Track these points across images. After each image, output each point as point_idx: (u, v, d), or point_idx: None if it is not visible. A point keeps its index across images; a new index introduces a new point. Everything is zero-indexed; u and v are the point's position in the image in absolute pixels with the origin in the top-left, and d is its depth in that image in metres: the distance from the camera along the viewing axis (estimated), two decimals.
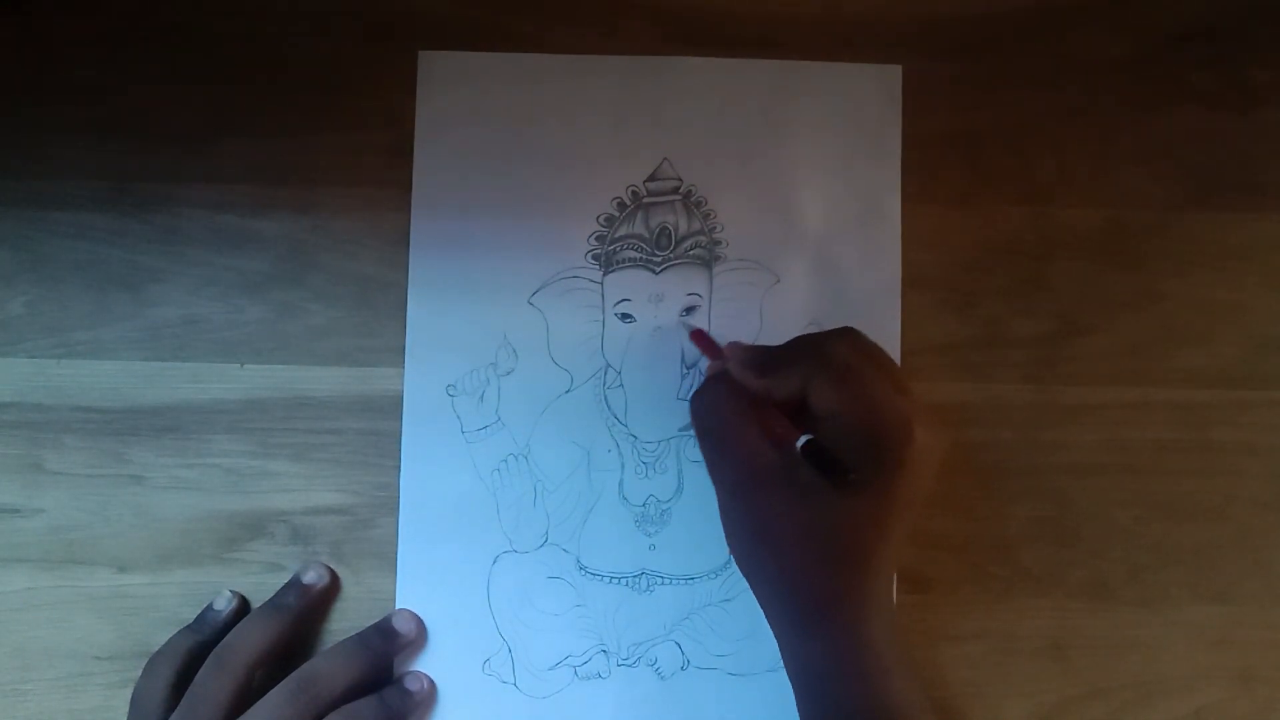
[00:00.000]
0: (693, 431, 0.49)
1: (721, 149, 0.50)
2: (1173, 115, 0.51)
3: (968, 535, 0.50)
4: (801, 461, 0.42)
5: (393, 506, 0.49)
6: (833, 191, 0.50)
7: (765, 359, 0.44)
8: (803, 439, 0.42)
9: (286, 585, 0.49)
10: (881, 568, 0.42)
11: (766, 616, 0.44)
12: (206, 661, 0.46)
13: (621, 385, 0.50)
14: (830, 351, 0.42)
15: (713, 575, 0.50)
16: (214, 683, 0.45)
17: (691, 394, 0.46)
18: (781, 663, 0.47)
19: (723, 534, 0.48)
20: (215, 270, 0.50)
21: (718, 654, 0.49)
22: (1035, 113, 0.51)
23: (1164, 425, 0.50)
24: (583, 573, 0.50)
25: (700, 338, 0.49)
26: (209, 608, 0.49)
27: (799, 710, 0.44)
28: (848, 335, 0.43)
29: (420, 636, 0.49)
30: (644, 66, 0.51)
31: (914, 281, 0.50)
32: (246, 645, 0.46)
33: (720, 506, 0.44)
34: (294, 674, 0.46)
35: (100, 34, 0.51)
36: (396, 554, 0.49)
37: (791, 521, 0.41)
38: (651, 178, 0.50)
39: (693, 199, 0.50)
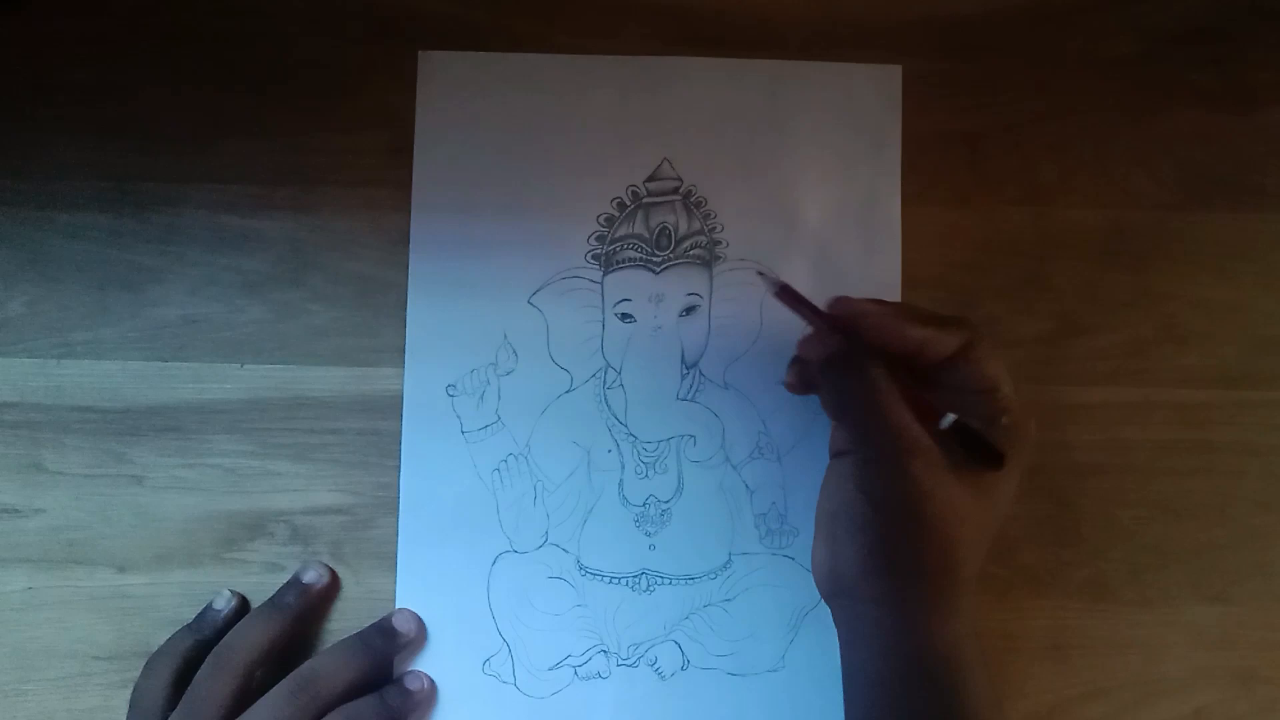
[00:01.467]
0: (696, 434, 0.49)
1: (721, 149, 0.50)
2: (1173, 115, 0.51)
3: None
4: (949, 441, 0.40)
5: (393, 506, 0.49)
6: (833, 191, 0.50)
7: (918, 312, 0.41)
8: (950, 418, 0.40)
9: (286, 585, 0.49)
10: (985, 557, 0.41)
11: (859, 605, 0.42)
12: (206, 661, 0.46)
13: (621, 385, 0.50)
14: (980, 325, 0.41)
15: (713, 575, 0.50)
16: (213, 682, 0.45)
17: (822, 371, 0.42)
18: (781, 663, 0.47)
19: (721, 534, 0.48)
20: (215, 270, 0.50)
21: (718, 654, 0.49)
22: (1035, 113, 0.51)
23: (1164, 425, 0.50)
24: (583, 573, 0.50)
25: (789, 296, 0.43)
26: (208, 607, 0.49)
27: (856, 703, 0.42)
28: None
29: (420, 636, 0.49)
30: (644, 66, 0.51)
31: (914, 281, 0.50)
32: (246, 645, 0.46)
33: (842, 479, 0.41)
34: (294, 673, 0.46)
35: (101, 34, 0.51)
36: (396, 554, 0.49)
37: (939, 502, 0.39)
38: (651, 178, 0.50)
39: (693, 199, 0.50)
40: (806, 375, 0.45)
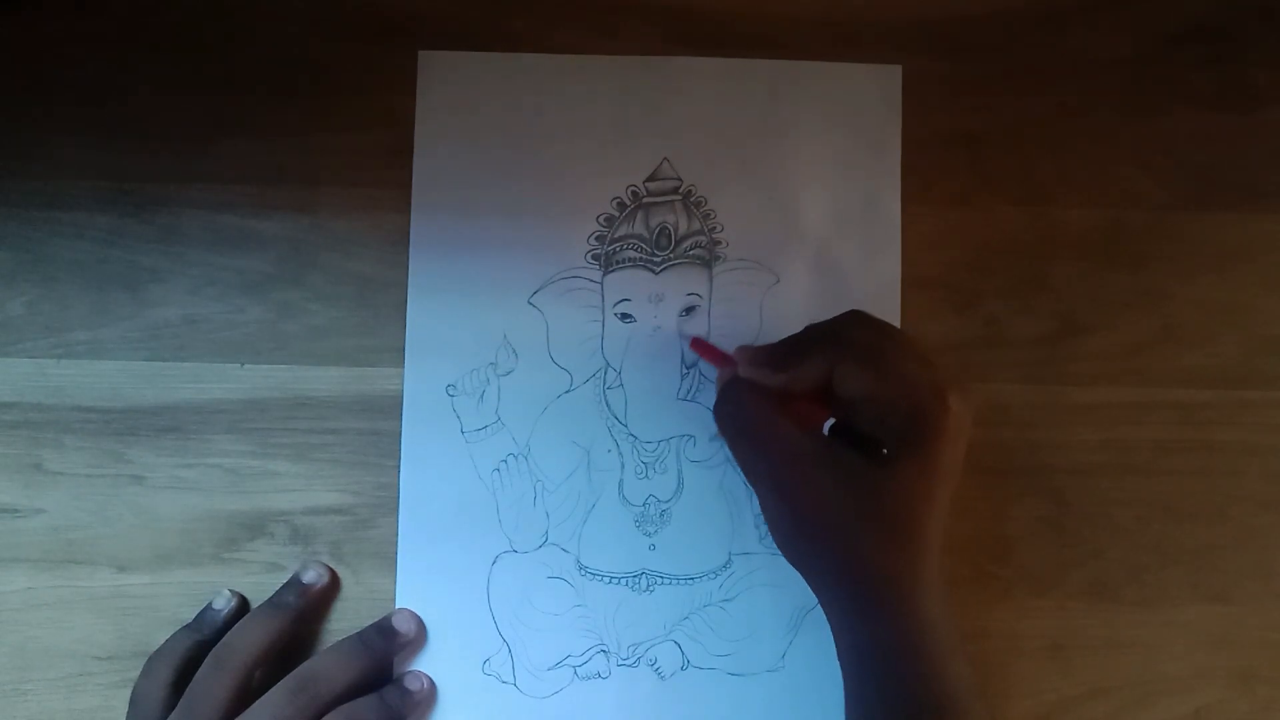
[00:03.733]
0: (696, 434, 0.49)
1: (721, 149, 0.50)
2: (1173, 115, 0.51)
3: (968, 535, 0.50)
4: (836, 445, 0.42)
5: (392, 506, 0.49)
6: (833, 191, 0.50)
7: (779, 354, 0.44)
8: (829, 422, 0.42)
9: (286, 584, 0.49)
10: (932, 542, 0.41)
11: (821, 605, 0.44)
12: (205, 661, 0.46)
13: (621, 385, 0.50)
14: (848, 336, 0.43)
15: (712, 575, 0.49)
16: (213, 682, 0.45)
17: (713, 405, 0.46)
18: (781, 663, 0.47)
19: (721, 534, 0.48)
20: (215, 270, 0.50)
21: (717, 654, 0.49)
22: (1035, 113, 0.51)
23: (1164, 425, 0.50)
24: (582, 573, 0.50)
25: (701, 346, 0.49)
26: (208, 607, 0.49)
27: (849, 701, 0.43)
28: (859, 317, 0.43)
29: (420, 636, 0.49)
30: (644, 66, 0.51)
31: (914, 281, 0.50)
32: (245, 644, 0.46)
33: (762, 504, 0.44)
34: (294, 672, 0.46)
35: (100, 34, 0.51)
36: (396, 554, 0.49)
37: (838, 505, 0.41)
38: (651, 178, 0.50)
39: (692, 199, 0.50)
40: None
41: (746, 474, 0.44)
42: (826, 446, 0.42)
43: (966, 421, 0.42)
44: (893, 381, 0.41)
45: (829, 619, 0.43)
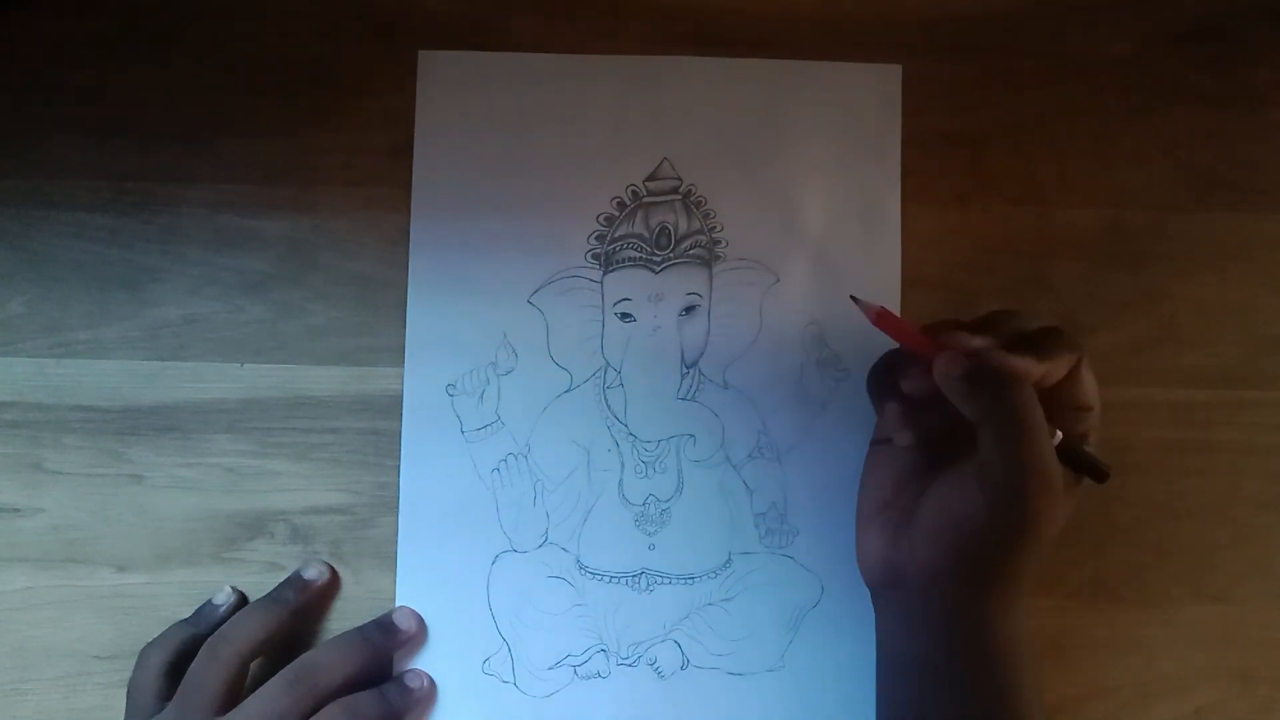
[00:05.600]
0: (696, 433, 0.49)
1: (721, 149, 0.50)
2: (1173, 115, 0.51)
3: None
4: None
5: (392, 506, 0.49)
6: (833, 191, 0.50)
7: (1032, 344, 0.40)
8: (1059, 436, 0.40)
9: (286, 580, 0.49)
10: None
11: (885, 606, 0.44)
12: (200, 650, 0.46)
13: (621, 385, 0.50)
14: (1078, 340, 0.41)
15: (712, 575, 0.49)
16: (208, 672, 0.45)
17: (968, 374, 0.40)
18: (781, 662, 0.47)
19: (721, 533, 0.48)
20: (215, 270, 0.50)
21: (717, 653, 0.49)
22: (1035, 113, 0.51)
23: (1164, 425, 0.50)
24: (582, 572, 0.50)
25: (890, 322, 0.42)
26: (208, 603, 0.49)
27: (898, 689, 0.43)
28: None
29: (420, 634, 0.49)
30: (644, 66, 0.51)
31: (914, 281, 0.50)
32: (240, 635, 0.46)
33: (897, 468, 0.44)
34: (292, 664, 0.46)
35: (100, 34, 0.51)
36: (396, 553, 0.49)
37: (1044, 522, 0.39)
38: (651, 177, 0.50)
39: (692, 199, 0.50)
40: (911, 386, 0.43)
41: (979, 467, 0.40)
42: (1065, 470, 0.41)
43: None
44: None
45: (885, 624, 0.44)
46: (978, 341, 0.40)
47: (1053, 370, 0.40)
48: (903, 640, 0.44)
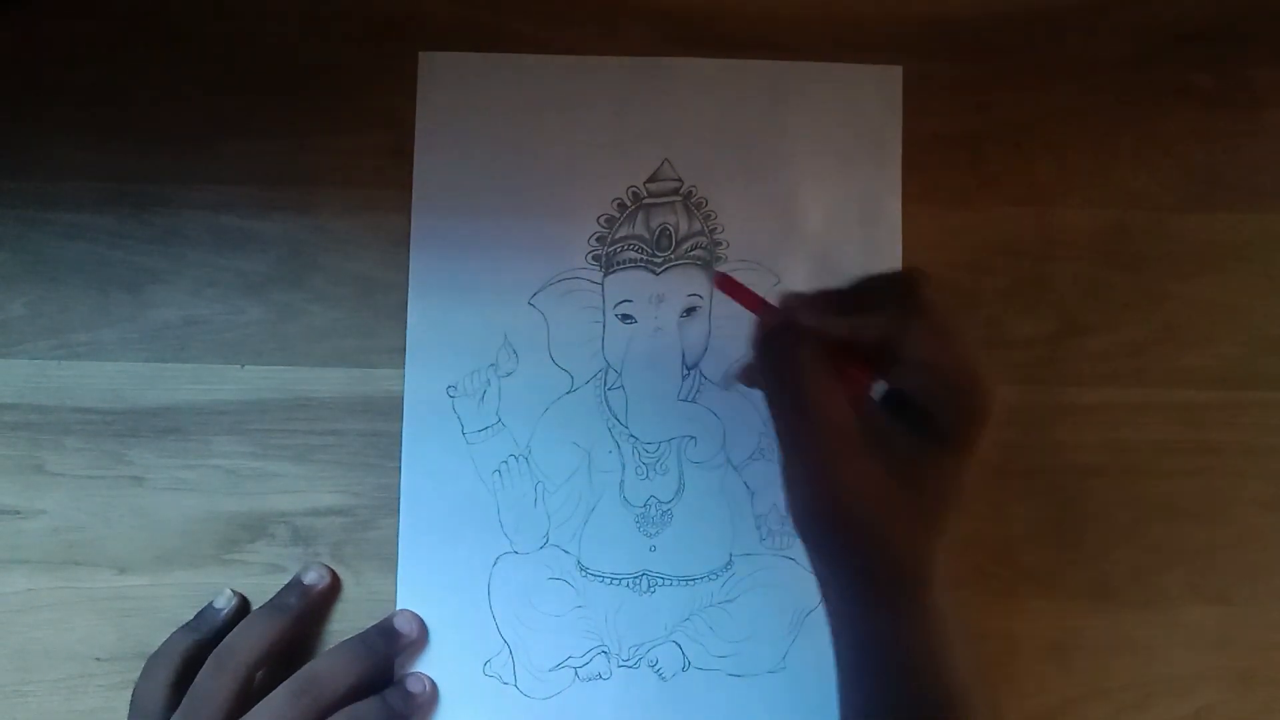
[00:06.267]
0: (697, 435, 0.49)
1: (722, 150, 0.50)
2: (1173, 115, 0.51)
3: (968, 535, 0.50)
4: (886, 419, 0.38)
5: (393, 507, 0.49)
6: (833, 192, 0.50)
7: (850, 299, 0.40)
8: (880, 386, 0.39)
9: (287, 586, 0.49)
10: (950, 530, 0.39)
11: (823, 589, 0.41)
12: (207, 662, 0.46)
13: (622, 386, 0.50)
14: (923, 294, 0.39)
15: (713, 576, 0.50)
16: (214, 683, 0.45)
17: (759, 339, 0.40)
18: (782, 664, 0.47)
19: (722, 535, 0.48)
20: (215, 271, 0.50)
21: (718, 655, 0.49)
22: (1035, 113, 0.51)
23: (1164, 425, 0.50)
24: (583, 574, 0.50)
25: (730, 285, 0.42)
26: (209, 606, 0.49)
27: (845, 694, 0.41)
28: (926, 276, 0.40)
29: (421, 637, 0.49)
30: (644, 67, 0.51)
31: None
32: (247, 646, 0.46)
33: (789, 472, 0.39)
34: (296, 674, 0.46)
35: (100, 35, 0.51)
36: (397, 555, 0.49)
37: (880, 489, 0.38)
38: (652, 178, 0.50)
39: (693, 200, 0.50)
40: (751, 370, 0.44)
41: (782, 434, 0.39)
42: (877, 422, 0.38)
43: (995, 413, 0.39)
44: (954, 353, 0.38)
45: (828, 605, 0.42)
46: (772, 315, 0.40)
47: (866, 323, 0.39)
48: (840, 623, 0.42)
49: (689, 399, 0.50)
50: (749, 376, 0.44)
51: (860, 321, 0.39)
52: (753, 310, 0.42)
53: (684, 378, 0.50)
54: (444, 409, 0.49)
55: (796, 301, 0.40)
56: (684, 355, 0.50)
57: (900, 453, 0.38)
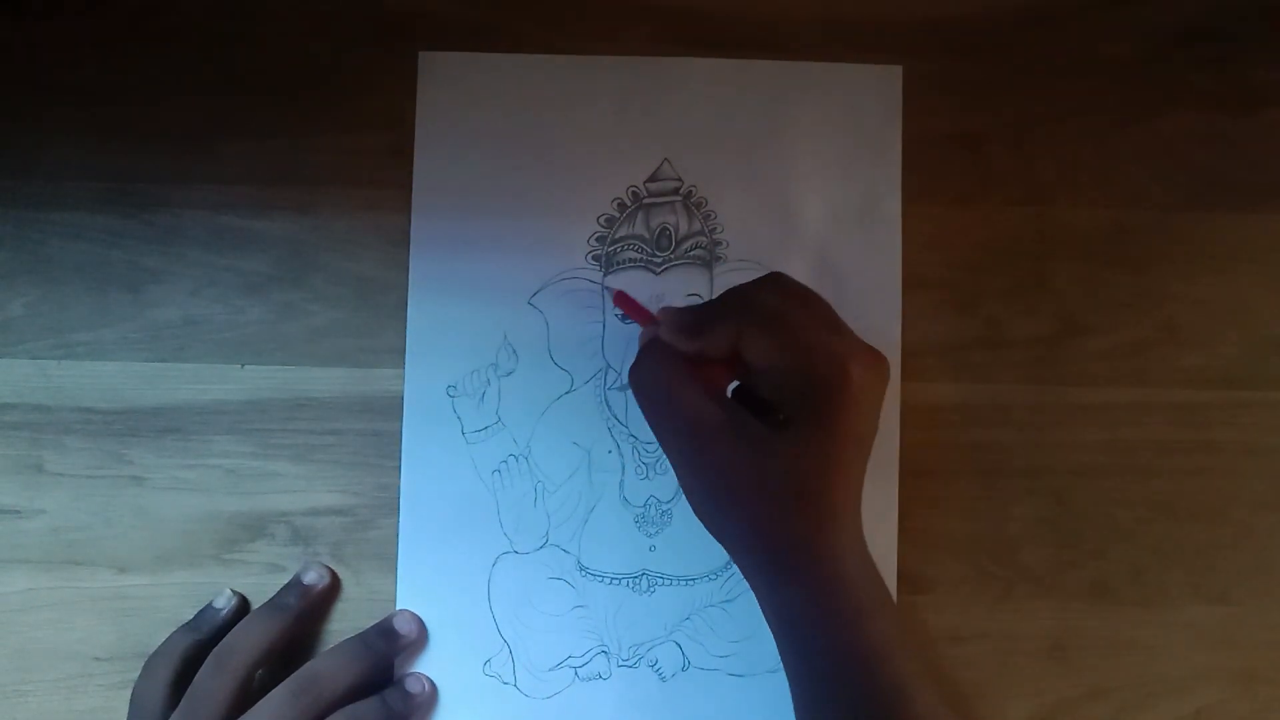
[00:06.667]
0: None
1: (722, 149, 0.50)
2: (1173, 115, 0.51)
3: (968, 535, 0.50)
4: (740, 411, 0.42)
5: (393, 507, 0.49)
6: (833, 191, 0.50)
7: (695, 319, 0.43)
8: (732, 385, 0.43)
9: (287, 585, 0.49)
10: (843, 508, 0.42)
11: (741, 571, 0.44)
12: (206, 662, 0.46)
13: (622, 386, 0.50)
14: (758, 301, 0.42)
15: (713, 576, 0.50)
16: (214, 683, 0.45)
17: (629, 367, 0.45)
18: (782, 663, 0.47)
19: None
20: (215, 271, 0.50)
21: (718, 655, 0.49)
22: (1035, 113, 0.51)
23: (1165, 425, 0.50)
24: (583, 573, 0.50)
25: (625, 301, 0.47)
26: (209, 606, 0.49)
27: (785, 665, 0.43)
28: (773, 281, 0.43)
29: (421, 637, 0.49)
30: (644, 67, 0.51)
31: (914, 281, 0.50)
32: (246, 645, 0.46)
33: (675, 472, 0.44)
34: (295, 674, 0.46)
35: (100, 35, 0.51)
36: (397, 555, 0.49)
37: (743, 472, 0.41)
38: (652, 178, 0.50)
39: (693, 199, 0.50)
40: None
41: (660, 440, 0.44)
42: (731, 414, 0.42)
43: (874, 391, 0.42)
44: (794, 348, 0.41)
45: (750, 585, 0.44)
46: (649, 331, 0.45)
47: (710, 340, 0.42)
48: (760, 601, 0.44)
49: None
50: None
51: (706, 340, 0.43)
52: (641, 324, 0.46)
53: None
54: (444, 409, 0.50)
55: (666, 318, 0.44)
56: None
57: (759, 442, 0.41)
